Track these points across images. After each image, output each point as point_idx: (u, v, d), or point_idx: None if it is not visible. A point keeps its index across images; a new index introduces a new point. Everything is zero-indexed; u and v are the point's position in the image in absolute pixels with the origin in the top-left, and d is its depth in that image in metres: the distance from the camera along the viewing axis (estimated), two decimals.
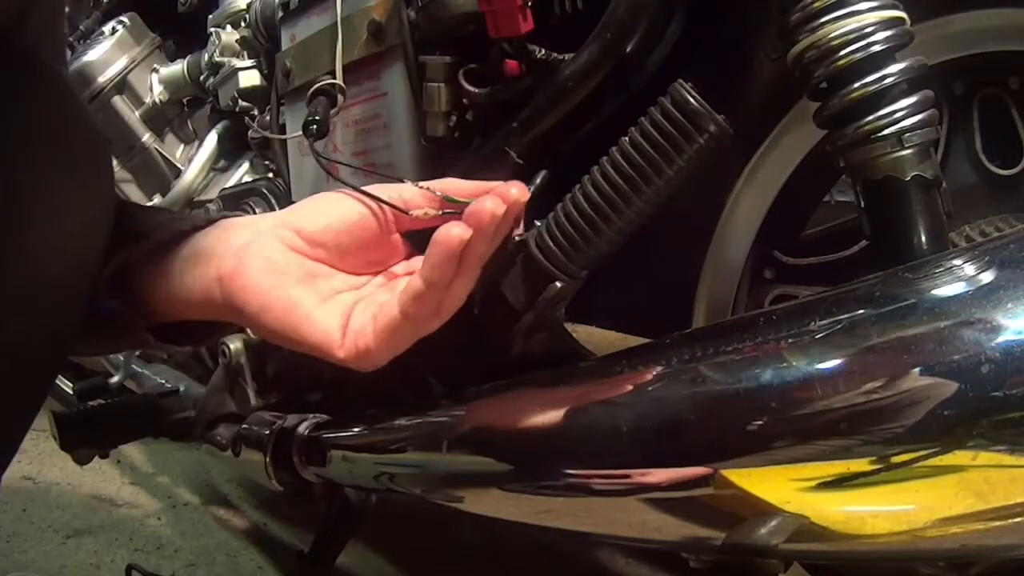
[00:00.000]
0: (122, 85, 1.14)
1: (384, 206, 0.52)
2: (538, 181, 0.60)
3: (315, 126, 0.66)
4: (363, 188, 0.53)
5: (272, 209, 0.90)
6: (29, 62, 0.44)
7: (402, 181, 0.54)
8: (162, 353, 1.09)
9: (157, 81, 1.14)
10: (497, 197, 0.46)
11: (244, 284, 0.50)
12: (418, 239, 0.56)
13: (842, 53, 0.48)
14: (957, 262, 0.42)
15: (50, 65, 0.45)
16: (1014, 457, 0.38)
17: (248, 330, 0.78)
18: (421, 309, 0.47)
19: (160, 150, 1.14)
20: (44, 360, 0.47)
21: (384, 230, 0.53)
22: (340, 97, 0.69)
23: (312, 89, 0.70)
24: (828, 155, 0.52)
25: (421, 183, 0.53)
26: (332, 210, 0.52)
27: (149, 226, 0.54)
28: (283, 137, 0.86)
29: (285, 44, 0.82)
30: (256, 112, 0.96)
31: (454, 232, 0.46)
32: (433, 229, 0.51)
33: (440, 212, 0.53)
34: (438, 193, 0.53)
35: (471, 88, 0.64)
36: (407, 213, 0.53)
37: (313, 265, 0.51)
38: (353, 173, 0.74)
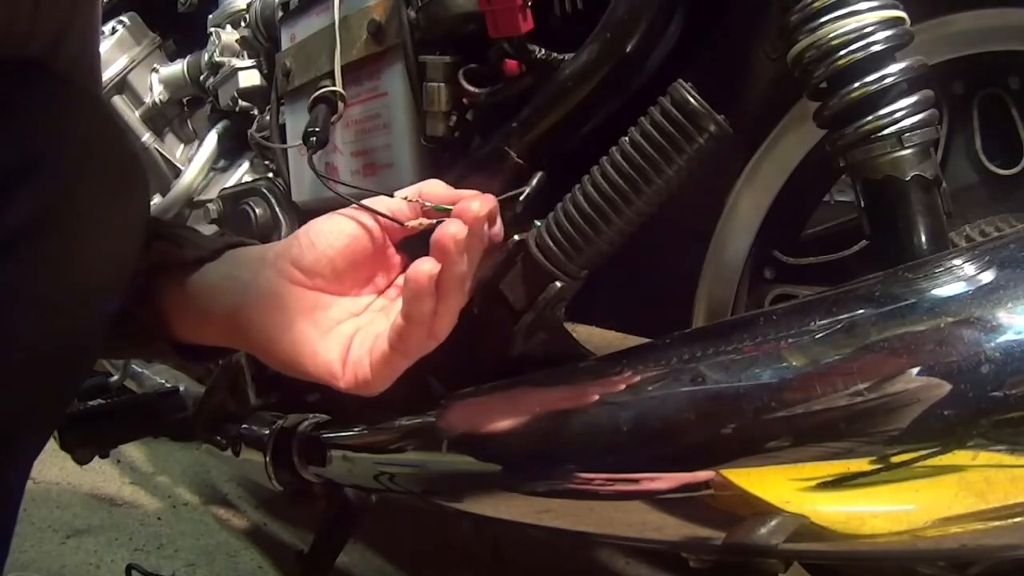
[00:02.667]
0: (122, 85, 1.14)
1: (375, 222, 0.54)
2: (534, 183, 0.60)
3: (314, 137, 0.66)
4: (358, 203, 0.55)
5: (272, 209, 0.90)
6: (67, 87, 0.47)
7: (381, 194, 0.56)
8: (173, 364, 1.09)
9: (157, 81, 1.13)
10: (458, 220, 0.48)
11: (251, 321, 0.53)
12: (416, 247, 0.57)
13: (842, 53, 0.48)
14: (957, 262, 0.42)
15: (87, 89, 0.49)
16: (1014, 457, 0.38)
17: None
18: (408, 343, 0.50)
19: (160, 150, 1.13)
20: (75, 362, 0.50)
21: (375, 247, 0.55)
22: (340, 104, 0.69)
23: (312, 97, 0.70)
24: (828, 155, 0.52)
25: (399, 192, 0.54)
26: (323, 238, 0.54)
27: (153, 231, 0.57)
28: (281, 147, 0.86)
29: (285, 44, 0.82)
30: (256, 112, 0.96)
31: (423, 268, 0.47)
32: (430, 232, 0.51)
33: (435, 221, 0.53)
34: (418, 199, 0.54)
35: (471, 88, 0.64)
36: (403, 225, 0.54)
37: (313, 296, 0.53)
38: (351, 178, 0.74)
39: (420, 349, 0.51)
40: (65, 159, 0.45)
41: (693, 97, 0.49)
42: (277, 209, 0.90)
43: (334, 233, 0.54)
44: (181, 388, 1.03)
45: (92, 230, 0.46)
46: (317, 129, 0.67)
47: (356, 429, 0.69)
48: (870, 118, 0.48)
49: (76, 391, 0.54)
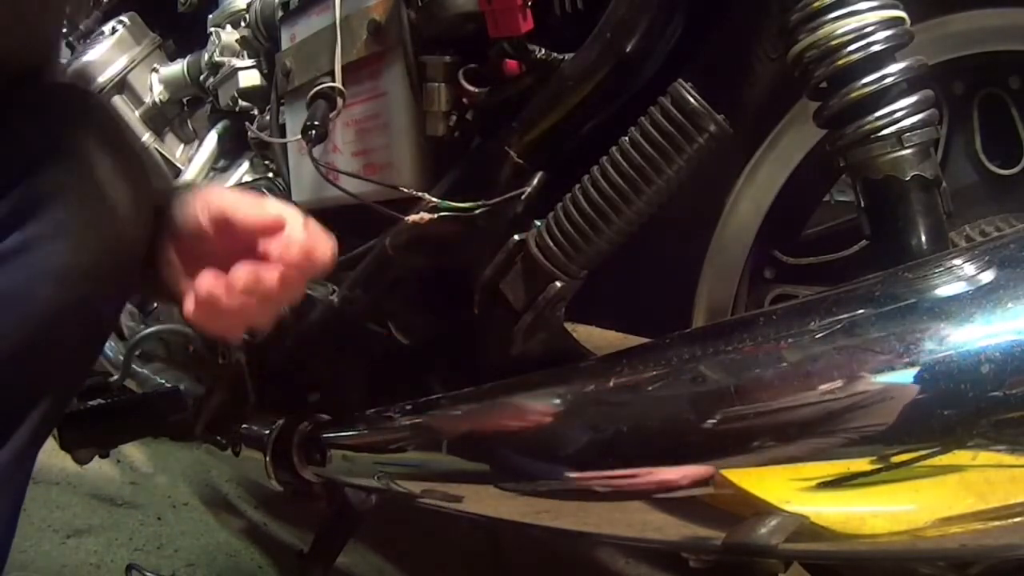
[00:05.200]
0: (122, 85, 1.14)
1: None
2: (535, 182, 0.60)
3: (313, 131, 0.66)
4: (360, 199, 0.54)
5: None
6: (80, 90, 0.55)
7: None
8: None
9: (157, 81, 1.13)
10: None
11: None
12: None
13: (842, 53, 0.48)
14: (957, 262, 0.42)
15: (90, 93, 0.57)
16: (1014, 457, 0.38)
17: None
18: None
19: (160, 150, 1.13)
20: (89, 339, 0.56)
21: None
22: (340, 100, 0.69)
23: (312, 92, 0.70)
24: (828, 155, 0.52)
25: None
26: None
27: None
28: (281, 140, 0.86)
29: (285, 44, 0.82)
30: (256, 112, 0.96)
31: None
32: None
33: (435, 216, 0.53)
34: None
35: (471, 88, 0.64)
36: (404, 218, 0.54)
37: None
38: (351, 179, 0.74)
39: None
40: (79, 146, 0.50)
41: (693, 97, 0.49)
42: None
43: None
44: (181, 388, 1.03)
45: (104, 204, 0.51)
46: (316, 123, 0.67)
47: (356, 429, 0.69)
48: (870, 118, 0.48)
49: (84, 374, 0.61)
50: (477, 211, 0.60)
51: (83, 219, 0.50)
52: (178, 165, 1.12)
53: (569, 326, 0.60)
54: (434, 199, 0.54)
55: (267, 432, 0.80)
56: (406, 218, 0.53)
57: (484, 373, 0.59)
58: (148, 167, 0.58)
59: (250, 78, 0.94)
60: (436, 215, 0.53)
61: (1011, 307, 0.39)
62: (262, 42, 0.91)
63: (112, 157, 0.52)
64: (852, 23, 0.48)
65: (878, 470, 0.40)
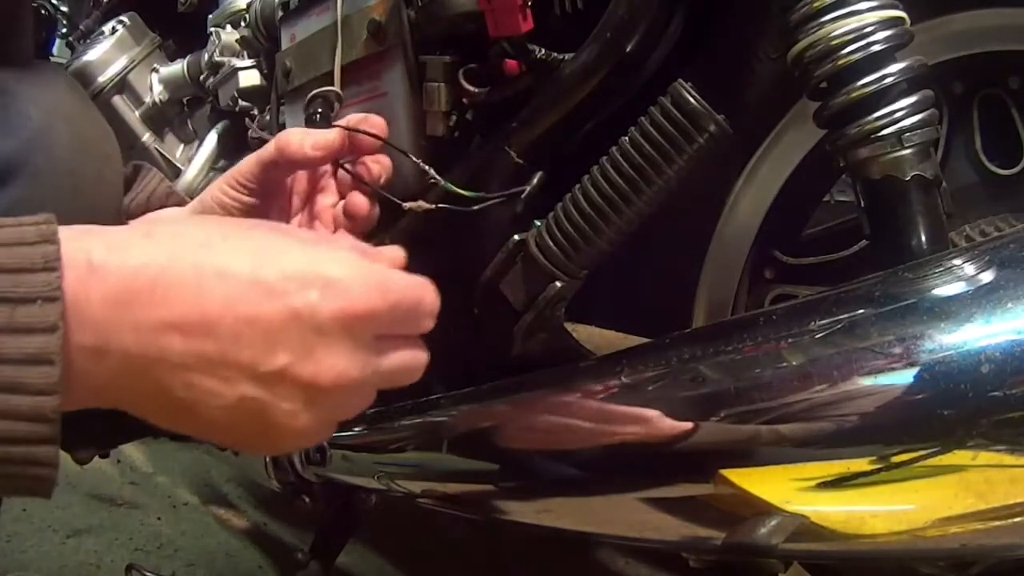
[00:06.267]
0: (122, 85, 1.14)
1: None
2: (534, 182, 0.60)
3: None
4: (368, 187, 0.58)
5: None
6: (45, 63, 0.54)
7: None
8: None
9: (157, 81, 1.13)
10: None
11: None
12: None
13: (842, 53, 0.48)
14: (957, 262, 0.42)
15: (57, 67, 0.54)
16: (1014, 457, 0.38)
17: None
18: None
19: (160, 150, 1.13)
20: None
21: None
22: (336, 105, 0.69)
23: (309, 96, 0.70)
24: (828, 155, 0.52)
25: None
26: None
27: None
28: None
29: (285, 44, 0.82)
30: (256, 112, 0.96)
31: None
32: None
33: (434, 206, 0.54)
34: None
35: (471, 88, 0.64)
36: (402, 204, 0.54)
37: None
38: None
39: None
40: (42, 123, 0.50)
41: (693, 97, 0.49)
42: None
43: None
44: None
45: (66, 179, 0.51)
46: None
47: (356, 429, 0.69)
48: (870, 118, 0.48)
49: None
50: (476, 205, 0.60)
51: (48, 196, 0.49)
52: (178, 165, 1.12)
53: (569, 326, 0.60)
54: (438, 176, 0.53)
55: None
56: (404, 204, 0.53)
57: (484, 373, 0.59)
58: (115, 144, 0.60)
59: (250, 78, 0.94)
60: (434, 206, 0.53)
61: (1011, 307, 0.39)
62: (262, 42, 0.91)
63: (80, 130, 0.52)
64: (852, 23, 0.48)
65: (878, 470, 0.40)
